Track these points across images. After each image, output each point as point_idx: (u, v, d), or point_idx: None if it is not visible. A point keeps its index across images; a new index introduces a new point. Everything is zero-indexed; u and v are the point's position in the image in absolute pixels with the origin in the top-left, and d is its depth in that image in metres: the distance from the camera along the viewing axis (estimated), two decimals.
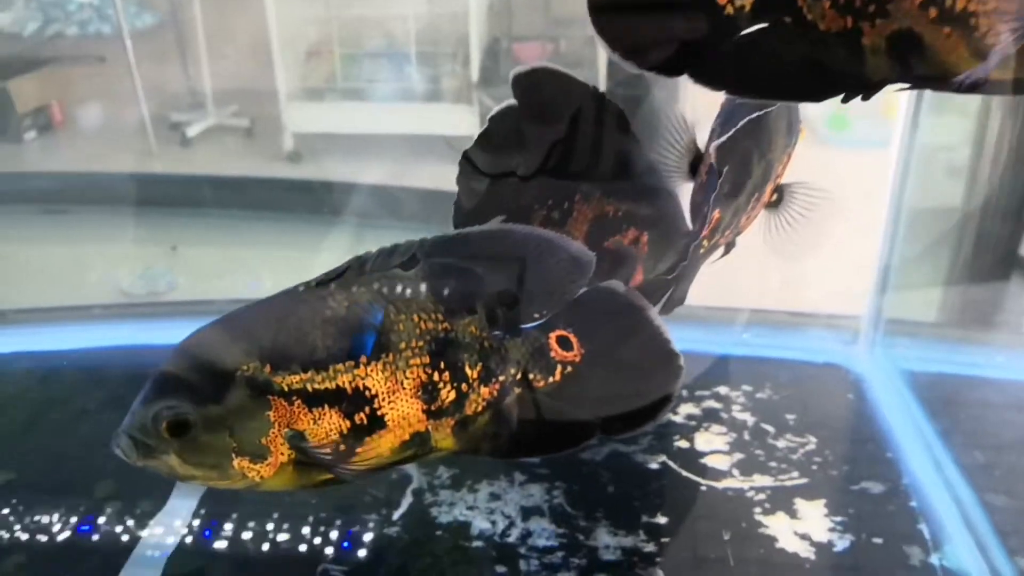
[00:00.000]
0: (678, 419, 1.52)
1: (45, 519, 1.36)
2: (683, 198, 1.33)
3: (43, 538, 1.33)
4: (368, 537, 1.29)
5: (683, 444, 1.44)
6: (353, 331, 0.98)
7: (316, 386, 0.95)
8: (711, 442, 1.46)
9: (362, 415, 0.96)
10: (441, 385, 1.00)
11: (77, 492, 1.42)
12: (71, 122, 4.80)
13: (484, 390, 1.02)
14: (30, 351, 1.85)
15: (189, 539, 1.30)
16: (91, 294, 2.58)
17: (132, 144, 4.46)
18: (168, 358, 0.95)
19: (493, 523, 1.30)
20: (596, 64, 4.10)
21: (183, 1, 5.05)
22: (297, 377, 0.94)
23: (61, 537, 1.32)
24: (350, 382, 0.96)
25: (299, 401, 0.95)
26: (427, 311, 1.01)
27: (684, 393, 1.59)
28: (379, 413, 0.97)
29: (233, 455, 0.95)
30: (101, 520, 1.35)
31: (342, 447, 0.97)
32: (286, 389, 0.94)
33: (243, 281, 2.51)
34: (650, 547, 1.25)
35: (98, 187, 3.03)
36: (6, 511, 1.38)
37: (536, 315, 1.06)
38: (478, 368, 1.02)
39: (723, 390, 1.63)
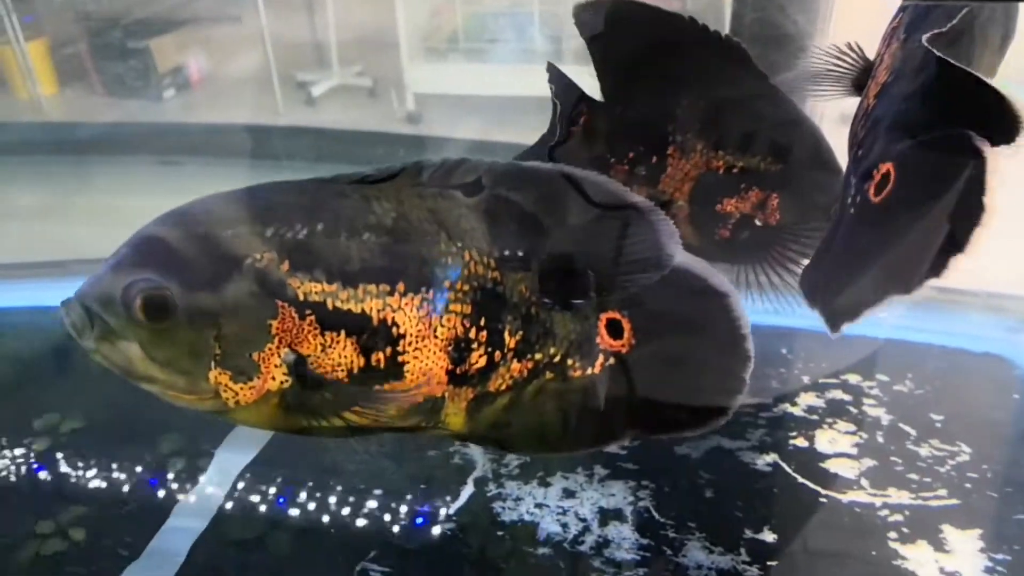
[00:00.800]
0: (796, 411, 1.30)
1: (107, 471, 1.33)
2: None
3: (104, 487, 1.29)
4: (418, 532, 1.15)
5: (801, 442, 1.22)
6: (397, 249, 0.81)
7: (338, 303, 0.79)
8: (836, 442, 1.23)
9: (381, 355, 0.80)
10: (475, 346, 0.85)
11: (142, 443, 1.38)
12: (207, 80, 4.97)
13: (516, 365, 0.87)
14: None
15: (230, 503, 1.22)
16: None
17: (261, 102, 4.56)
18: (160, 219, 0.78)
19: (564, 526, 1.13)
20: (723, 15, 3.78)
21: None
22: (319, 286, 0.78)
23: (123, 488, 1.29)
24: (379, 310, 0.80)
25: (312, 317, 0.78)
26: (480, 251, 0.85)
27: (805, 380, 1.36)
28: (400, 359, 0.81)
29: (212, 364, 0.78)
30: (160, 473, 1.30)
31: (341, 392, 0.80)
32: (301, 297, 0.78)
33: None
34: (753, 572, 1.04)
35: (212, 139, 3.08)
36: (71, 459, 1.36)
37: (593, 292, 0.89)
38: (518, 336, 0.86)
39: (853, 379, 1.38)
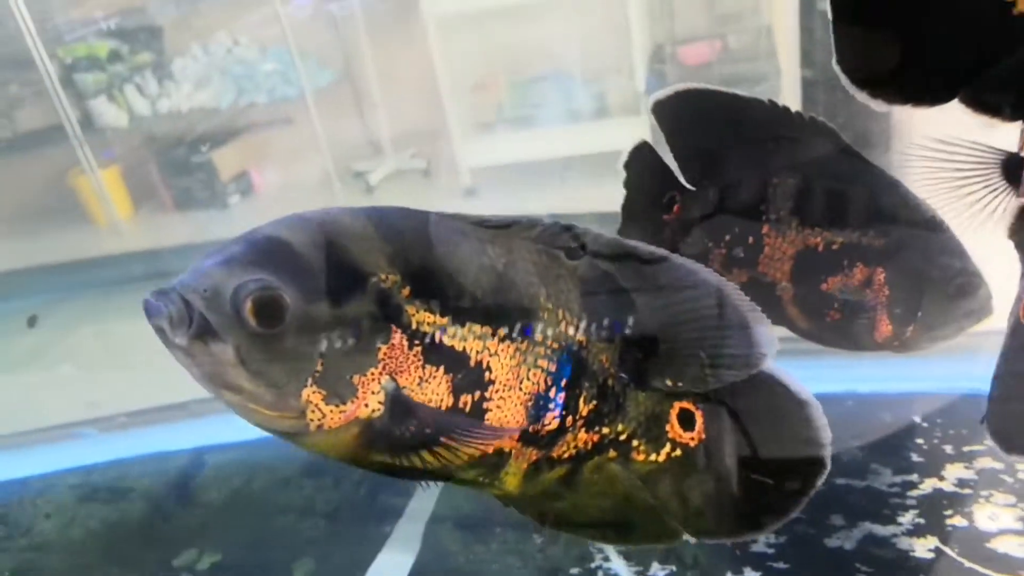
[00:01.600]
0: (946, 485, 1.25)
1: None
2: None
3: None
4: None
5: (959, 521, 1.17)
6: (503, 295, 0.80)
7: (445, 338, 0.77)
8: (997, 518, 1.18)
9: (469, 398, 0.79)
10: (551, 406, 0.84)
11: (278, 571, 1.40)
12: (268, 183, 5.16)
13: (583, 435, 0.86)
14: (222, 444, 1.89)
15: None
16: None
17: (322, 198, 4.70)
18: (280, 221, 0.74)
19: None
20: (775, 56, 3.78)
21: (356, 53, 5.29)
22: (432, 317, 0.76)
23: None
24: (477, 352, 0.79)
25: (419, 348, 0.76)
26: (572, 313, 0.84)
27: (949, 449, 1.30)
28: (485, 405, 0.80)
29: (309, 381, 0.72)
30: None
31: (428, 429, 0.77)
32: (414, 326, 0.75)
33: None
34: None
35: None
36: None
37: (670, 381, 0.88)
38: (591, 405, 0.86)
39: None
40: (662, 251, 0.88)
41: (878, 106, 0.74)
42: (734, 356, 0.87)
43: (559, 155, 4.61)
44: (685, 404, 0.90)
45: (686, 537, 0.92)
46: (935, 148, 0.94)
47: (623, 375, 0.88)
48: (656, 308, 0.87)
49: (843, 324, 1.16)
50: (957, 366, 1.39)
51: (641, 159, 1.25)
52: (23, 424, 2.04)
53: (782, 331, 1.25)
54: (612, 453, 0.88)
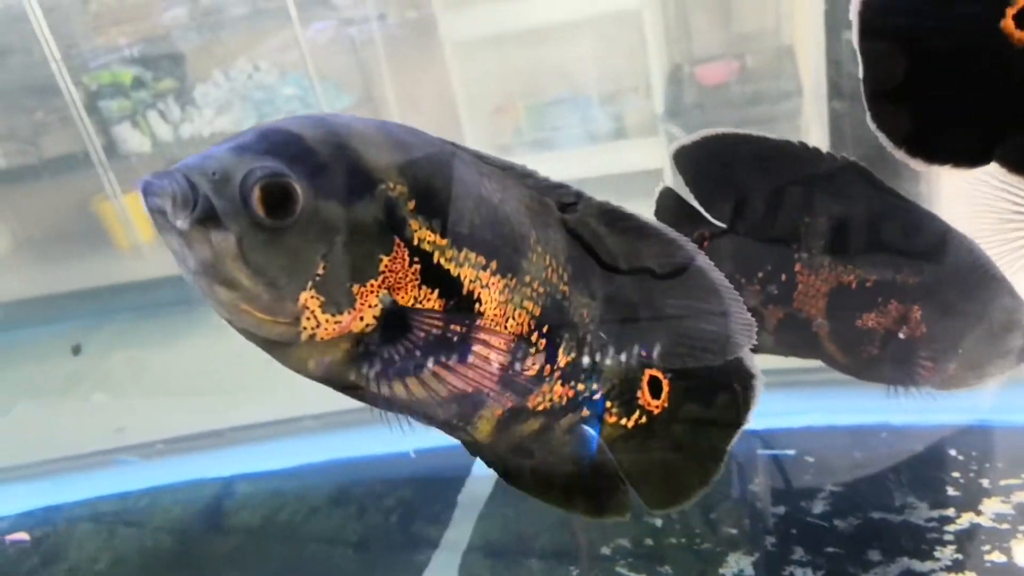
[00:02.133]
0: (984, 520, 1.24)
1: None
2: None
3: None
4: None
5: (998, 557, 1.17)
6: (497, 228, 0.81)
7: (443, 260, 0.76)
8: None
9: (458, 329, 0.77)
10: (532, 351, 0.84)
11: None
12: None
13: (559, 388, 0.86)
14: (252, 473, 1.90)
15: None
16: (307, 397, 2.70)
17: None
18: (294, 118, 0.72)
19: None
20: (796, 74, 3.78)
21: (375, 77, 5.35)
22: (433, 236, 0.75)
23: None
24: (471, 281, 0.78)
25: (418, 266, 0.74)
26: (559, 261, 0.85)
27: (985, 483, 1.30)
28: (472, 335, 0.79)
29: (309, 284, 0.70)
30: None
31: (416, 354, 0.75)
32: (415, 242, 0.74)
33: None
34: None
35: None
36: None
37: (644, 352, 0.90)
38: (569, 358, 0.86)
39: None
40: (656, 223, 0.89)
41: (917, 165, 0.75)
42: (711, 341, 0.89)
43: (577, 176, 4.61)
44: (655, 372, 0.92)
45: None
46: (977, 185, 0.94)
47: (601, 334, 0.88)
48: (639, 277, 0.88)
49: (882, 361, 1.16)
50: (993, 399, 1.39)
51: (666, 206, 1.26)
52: (56, 451, 2.07)
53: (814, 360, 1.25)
54: (585, 412, 0.89)
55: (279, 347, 0.74)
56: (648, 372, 0.92)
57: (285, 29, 4.63)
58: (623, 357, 0.90)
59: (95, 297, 3.77)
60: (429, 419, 0.84)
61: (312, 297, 0.70)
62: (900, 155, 0.76)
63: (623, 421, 0.92)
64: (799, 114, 3.56)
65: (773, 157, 1.15)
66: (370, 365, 0.76)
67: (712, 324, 0.88)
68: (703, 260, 0.88)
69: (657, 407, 0.92)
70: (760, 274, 1.20)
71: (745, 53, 4.50)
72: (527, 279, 0.82)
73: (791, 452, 1.38)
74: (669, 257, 0.89)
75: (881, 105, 0.75)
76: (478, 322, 0.78)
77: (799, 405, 1.43)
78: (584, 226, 0.87)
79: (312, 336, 0.72)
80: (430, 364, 0.76)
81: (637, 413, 0.92)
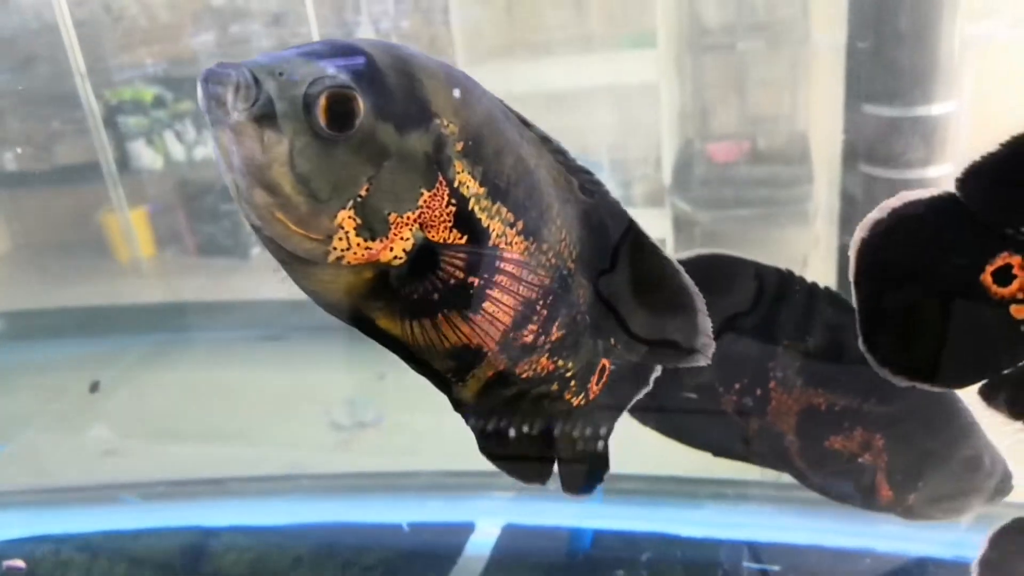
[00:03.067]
0: None
1: None
2: None
3: None
4: None
5: None
6: (528, 190, 0.81)
7: (477, 208, 0.76)
8: None
9: (476, 281, 0.77)
10: (534, 319, 0.84)
11: None
12: None
13: (544, 360, 0.88)
14: (244, 525, 1.88)
15: None
16: (303, 424, 2.70)
17: None
18: (363, 40, 0.71)
19: None
20: (808, 159, 3.84)
21: None
22: (472, 182, 0.76)
23: None
24: (498, 235, 0.78)
25: (453, 208, 0.74)
26: (570, 238, 0.87)
27: None
28: (486, 292, 0.80)
29: (350, 203, 0.69)
30: None
31: (433, 297, 0.75)
32: (456, 184, 0.74)
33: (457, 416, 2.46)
34: None
35: (309, 314, 3.20)
36: None
37: (614, 340, 0.94)
38: (560, 334, 0.87)
39: None
40: (651, 241, 0.92)
41: (899, 382, 0.86)
42: (673, 345, 0.94)
43: None
44: (606, 361, 0.96)
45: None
46: None
47: (587, 318, 0.90)
48: (627, 272, 0.91)
49: (845, 483, 1.19)
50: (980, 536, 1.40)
51: None
52: (52, 480, 2.04)
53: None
54: (555, 387, 0.91)
55: (302, 265, 0.74)
56: (604, 360, 0.95)
57: None
58: (598, 343, 0.93)
59: (97, 315, 3.76)
60: (423, 366, 0.84)
61: (350, 217, 0.70)
62: (884, 373, 0.87)
63: (574, 401, 0.94)
64: (808, 199, 3.62)
65: (761, 281, 1.20)
66: (389, 300, 0.76)
67: (677, 329, 0.93)
68: (686, 279, 0.92)
69: (594, 392, 0.96)
70: (737, 385, 1.23)
71: (757, 135, 4.59)
72: (544, 247, 0.83)
73: (776, 568, 1.38)
74: (658, 269, 0.92)
75: (872, 333, 0.86)
76: (502, 267, 0.78)
77: (788, 521, 1.43)
78: (596, 213, 0.89)
79: (340, 258, 0.71)
80: (444, 310, 0.76)
81: (582, 395, 0.95)
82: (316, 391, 2.93)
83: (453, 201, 0.74)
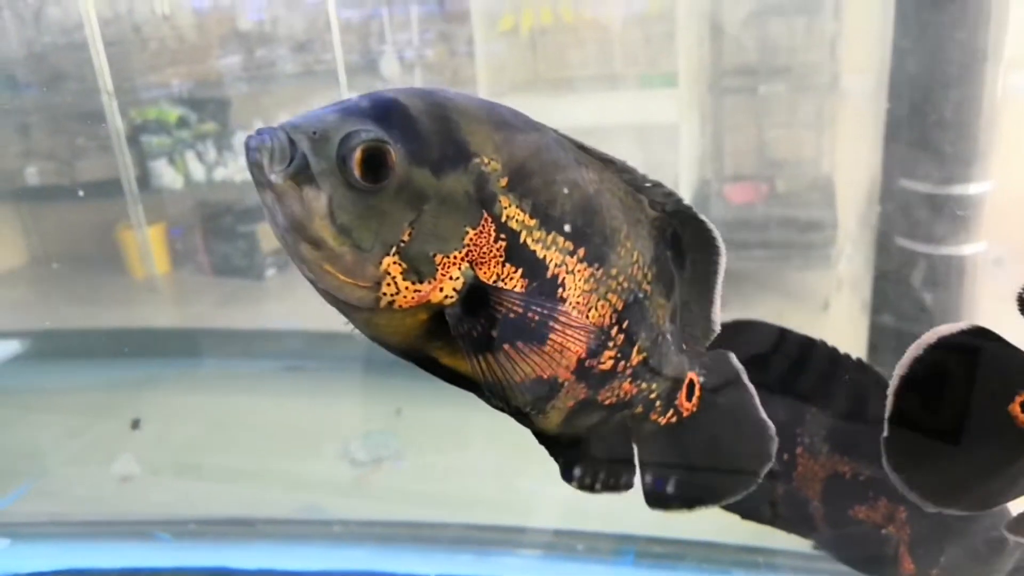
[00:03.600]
0: None
1: None
2: None
3: None
4: None
5: None
6: (589, 216, 0.80)
7: (529, 241, 0.75)
8: None
9: (539, 312, 0.76)
10: (611, 345, 0.83)
11: None
12: None
13: (627, 385, 0.86)
14: (271, 568, 1.87)
15: None
16: (320, 458, 2.70)
17: None
18: (399, 89, 0.73)
19: None
20: (832, 204, 3.83)
21: None
22: (522, 215, 0.75)
23: None
24: (556, 265, 0.77)
25: (504, 244, 0.74)
26: (644, 258, 0.84)
27: None
28: (551, 323, 0.77)
29: (393, 250, 0.70)
30: None
31: (494, 332, 0.75)
32: (504, 219, 0.74)
33: (473, 452, 2.48)
34: None
35: (328, 345, 3.21)
36: None
37: (685, 344, 0.92)
38: (641, 357, 0.86)
39: None
40: (713, 228, 0.91)
41: (925, 506, 0.90)
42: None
43: None
44: (693, 375, 0.94)
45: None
46: None
47: (669, 336, 0.89)
48: (703, 283, 0.91)
49: (868, 553, 1.20)
50: None
51: None
52: (83, 514, 2.04)
53: None
54: (639, 409, 0.89)
55: (358, 312, 0.75)
56: (690, 375, 0.94)
57: (331, 90, 4.74)
58: (679, 358, 0.92)
59: (115, 338, 3.75)
60: (501, 401, 0.81)
61: (395, 263, 0.71)
62: (912, 497, 0.91)
63: (660, 420, 0.92)
64: (832, 244, 3.60)
65: (795, 351, 1.21)
66: (448, 339, 0.76)
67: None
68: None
69: (687, 410, 0.94)
70: None
71: (775, 177, 4.60)
72: (614, 271, 0.82)
73: None
74: (714, 253, 0.92)
75: (899, 455, 0.92)
76: (559, 308, 0.77)
77: None
78: (668, 226, 0.87)
79: (391, 303, 0.72)
80: (506, 345, 0.76)
81: (671, 412, 0.93)
82: (332, 424, 2.92)
83: (502, 236, 0.75)
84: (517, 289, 0.76)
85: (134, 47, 4.59)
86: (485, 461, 2.29)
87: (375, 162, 0.68)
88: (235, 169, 4.86)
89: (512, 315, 0.75)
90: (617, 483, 0.95)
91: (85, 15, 4.11)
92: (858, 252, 3.02)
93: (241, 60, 4.85)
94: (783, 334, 1.20)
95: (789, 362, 1.20)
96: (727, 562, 1.52)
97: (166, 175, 4.79)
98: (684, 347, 0.93)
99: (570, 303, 0.79)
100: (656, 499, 0.97)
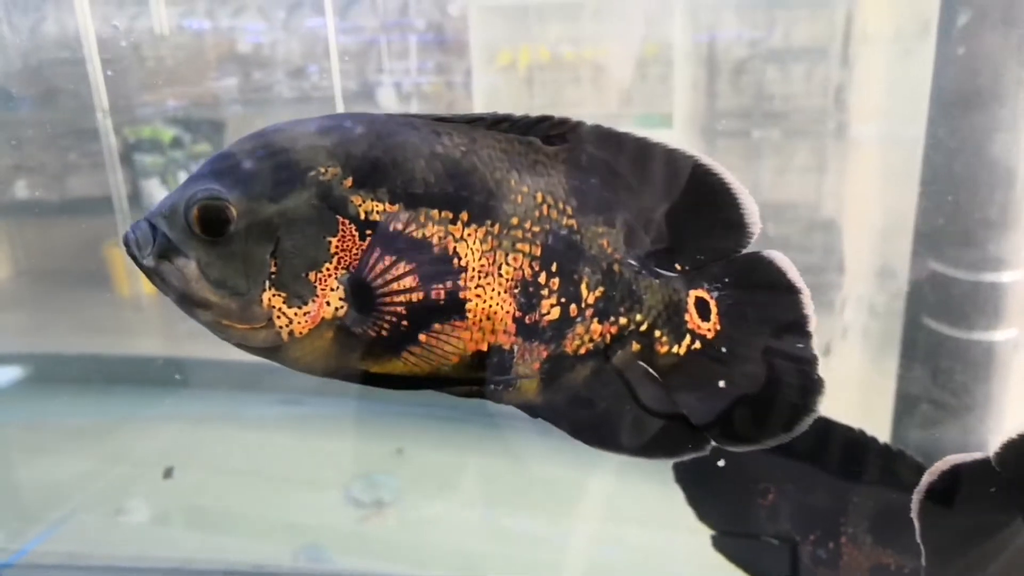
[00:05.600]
0: None
1: None
2: None
3: None
4: None
5: None
6: (462, 178, 0.78)
7: (400, 225, 0.75)
8: None
9: (441, 288, 0.75)
10: (545, 292, 0.79)
11: None
12: None
13: (596, 326, 0.82)
14: None
15: None
16: (321, 498, 2.67)
17: None
18: (241, 138, 0.77)
19: None
20: (836, 249, 3.85)
21: None
22: (382, 206, 0.75)
23: None
24: (440, 237, 0.76)
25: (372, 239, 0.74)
26: (554, 196, 0.81)
27: None
28: (462, 295, 0.76)
29: (267, 284, 0.73)
30: None
31: (404, 324, 0.74)
32: (363, 216, 0.74)
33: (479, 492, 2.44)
34: None
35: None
36: None
37: (679, 265, 0.86)
38: (598, 291, 0.82)
39: None
40: (648, 138, 0.86)
41: None
42: (732, 238, 0.87)
43: None
44: (700, 292, 0.87)
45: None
46: None
47: (631, 261, 0.84)
48: (654, 191, 0.86)
49: None
50: None
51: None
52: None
53: None
54: (636, 346, 0.84)
55: (274, 352, 0.77)
56: (692, 293, 0.86)
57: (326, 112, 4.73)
58: (661, 280, 0.86)
59: (103, 365, 3.69)
60: (459, 385, 0.81)
61: (274, 295, 0.74)
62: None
63: (675, 349, 0.86)
64: (835, 291, 3.59)
65: (834, 441, 1.23)
66: (362, 347, 0.77)
67: (727, 216, 0.86)
68: (708, 160, 0.86)
69: (709, 330, 0.87)
70: (812, 536, 1.26)
71: (767, 220, 4.64)
72: (514, 221, 0.80)
73: None
74: (675, 166, 0.86)
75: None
76: (455, 276, 0.77)
77: None
78: (581, 152, 0.84)
79: (291, 333, 0.75)
80: (421, 333, 0.76)
81: (688, 339, 0.86)
82: (332, 462, 2.89)
83: (367, 232, 0.75)
84: (408, 278, 0.75)
85: (132, 64, 4.57)
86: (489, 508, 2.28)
87: (212, 214, 0.72)
88: None
89: (411, 301, 0.75)
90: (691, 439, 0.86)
91: (83, 32, 4.08)
92: (863, 303, 3.05)
93: (238, 82, 4.85)
94: (826, 423, 1.22)
95: (832, 451, 1.23)
96: None
97: (157, 195, 4.76)
98: (677, 266, 0.87)
99: (473, 268, 0.77)
100: (708, 432, 0.88)
